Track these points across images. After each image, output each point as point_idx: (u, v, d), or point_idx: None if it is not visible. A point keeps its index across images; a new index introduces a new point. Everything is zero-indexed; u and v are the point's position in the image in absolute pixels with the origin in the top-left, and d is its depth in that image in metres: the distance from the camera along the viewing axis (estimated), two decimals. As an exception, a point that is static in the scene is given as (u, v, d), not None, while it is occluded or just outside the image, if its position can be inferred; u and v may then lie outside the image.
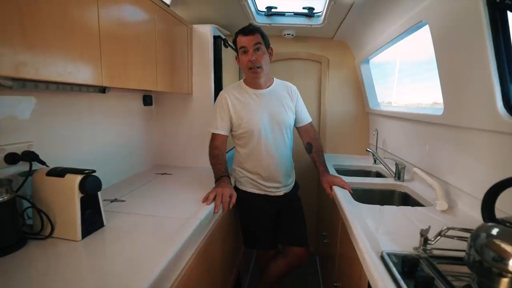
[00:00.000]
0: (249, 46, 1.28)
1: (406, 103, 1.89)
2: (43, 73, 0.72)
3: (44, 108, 1.02)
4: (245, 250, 1.94)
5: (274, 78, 1.47)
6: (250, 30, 1.29)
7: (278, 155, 1.41)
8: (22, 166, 0.92)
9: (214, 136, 1.41)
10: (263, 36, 1.32)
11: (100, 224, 0.92)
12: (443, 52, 1.12)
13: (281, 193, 1.47)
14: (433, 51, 1.15)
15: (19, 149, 0.91)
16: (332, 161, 2.11)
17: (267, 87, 1.41)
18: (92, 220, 0.89)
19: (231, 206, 1.22)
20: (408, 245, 0.80)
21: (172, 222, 0.99)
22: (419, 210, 1.13)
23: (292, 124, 1.47)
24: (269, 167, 1.41)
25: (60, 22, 0.76)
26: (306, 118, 1.51)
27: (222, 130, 1.39)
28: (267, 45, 1.34)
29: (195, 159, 1.81)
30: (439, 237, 0.74)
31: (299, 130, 1.54)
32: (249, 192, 1.47)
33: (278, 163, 1.42)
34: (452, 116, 1.15)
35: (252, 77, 1.34)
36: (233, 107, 1.37)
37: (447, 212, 1.09)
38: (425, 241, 0.74)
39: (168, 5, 1.57)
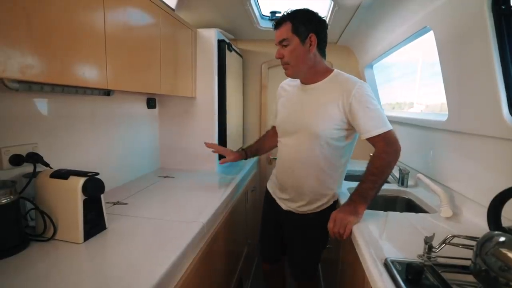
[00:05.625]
0: (276, 42, 1.11)
1: (429, 103, 1.81)
2: (49, 76, 0.72)
3: (49, 110, 1.03)
4: (247, 255, 1.93)
5: (335, 72, 1.15)
6: (277, 22, 1.09)
7: (296, 168, 1.17)
8: (26, 168, 0.92)
9: None
10: (296, 24, 1.05)
11: (102, 227, 0.92)
12: (447, 57, 1.11)
13: (284, 207, 1.25)
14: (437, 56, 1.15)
15: (23, 150, 0.91)
16: (335, 165, 2.09)
17: (315, 82, 1.14)
18: (94, 223, 0.89)
19: (220, 162, 1.44)
20: (412, 252, 0.79)
21: (174, 225, 0.98)
22: (423, 216, 1.12)
23: (333, 135, 1.09)
24: (283, 175, 1.24)
25: (66, 25, 0.77)
26: (369, 128, 1.02)
27: (272, 121, 1.40)
28: (303, 34, 1.05)
29: (197, 163, 1.81)
30: (443, 244, 0.73)
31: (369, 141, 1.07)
32: (267, 190, 1.38)
33: (292, 176, 1.18)
34: (457, 122, 1.14)
35: (284, 72, 1.16)
36: (279, 98, 1.30)
37: (452, 219, 1.07)
38: (430, 248, 0.73)
39: (173, 9, 1.59)
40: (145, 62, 1.18)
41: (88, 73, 0.86)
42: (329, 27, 1.89)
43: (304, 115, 1.13)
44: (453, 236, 0.73)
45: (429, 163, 1.43)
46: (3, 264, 0.72)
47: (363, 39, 1.96)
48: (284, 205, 1.25)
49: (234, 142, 2.07)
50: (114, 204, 1.16)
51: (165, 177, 1.61)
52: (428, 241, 0.73)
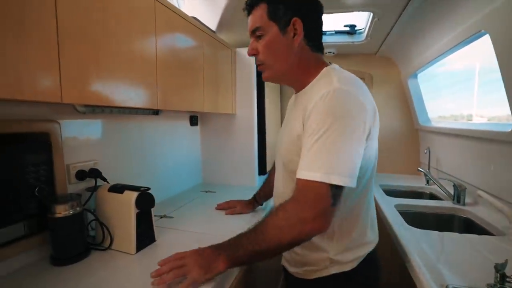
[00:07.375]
0: (249, 33, 0.80)
1: (492, 115, 1.60)
2: (111, 100, 0.81)
3: (106, 129, 1.14)
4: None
5: (325, 70, 0.78)
6: (249, 5, 0.78)
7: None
8: (88, 182, 1.02)
9: None
10: (273, 6, 0.74)
11: (152, 239, 0.97)
12: (509, 62, 1.01)
13: (288, 269, 0.90)
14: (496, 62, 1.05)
15: (86, 166, 1.01)
16: (379, 180, 1.98)
17: (305, 86, 0.80)
18: (145, 235, 0.94)
19: (228, 212, 1.25)
20: (478, 280, 0.71)
21: (217, 239, 0.98)
22: (488, 239, 1.00)
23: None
24: None
25: (126, 55, 0.86)
26: (301, 166, 0.66)
27: None
28: (283, 19, 0.74)
29: (238, 178, 1.84)
30: (519, 273, 0.64)
31: None
32: None
33: None
34: (523, 133, 1.03)
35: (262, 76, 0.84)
36: None
37: (525, 243, 0.94)
38: (503, 277, 0.65)
39: (214, 31, 1.68)
40: (190, 82, 1.26)
41: (142, 96, 0.94)
42: (368, 38, 1.87)
43: (282, 139, 0.83)
44: (531, 264, 0.64)
45: (490, 178, 1.29)
46: (68, 270, 0.79)
47: (406, 49, 1.88)
48: (289, 268, 0.89)
49: (273, 158, 2.07)
50: (161, 217, 1.21)
51: (206, 191, 1.66)
52: (500, 269, 0.65)
